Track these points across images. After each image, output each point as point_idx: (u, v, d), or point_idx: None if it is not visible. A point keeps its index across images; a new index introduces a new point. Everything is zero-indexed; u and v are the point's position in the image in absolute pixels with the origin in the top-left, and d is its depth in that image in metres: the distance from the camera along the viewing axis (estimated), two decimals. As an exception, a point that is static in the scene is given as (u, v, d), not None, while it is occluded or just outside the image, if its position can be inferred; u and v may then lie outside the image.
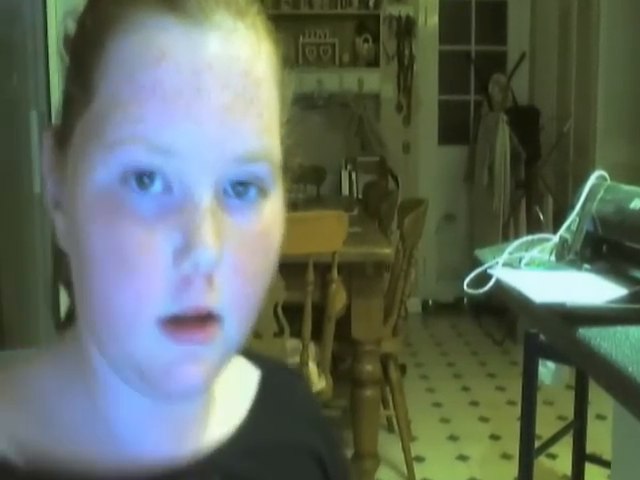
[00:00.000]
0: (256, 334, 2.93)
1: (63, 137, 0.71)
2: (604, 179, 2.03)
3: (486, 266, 2.03)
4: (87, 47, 0.67)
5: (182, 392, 0.67)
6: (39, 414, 0.72)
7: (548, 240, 2.13)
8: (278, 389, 0.91)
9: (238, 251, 0.66)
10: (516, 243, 2.13)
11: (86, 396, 0.73)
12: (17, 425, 0.70)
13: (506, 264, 2.03)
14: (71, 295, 0.76)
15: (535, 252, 2.07)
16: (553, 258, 2.06)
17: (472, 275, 2.02)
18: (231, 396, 0.85)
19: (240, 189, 0.66)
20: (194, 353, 0.65)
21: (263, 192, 0.68)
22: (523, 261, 2.04)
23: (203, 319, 0.64)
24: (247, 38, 0.67)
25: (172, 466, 0.74)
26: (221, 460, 0.78)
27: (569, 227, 2.03)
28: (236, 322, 0.67)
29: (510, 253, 2.07)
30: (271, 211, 0.69)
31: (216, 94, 0.63)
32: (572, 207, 2.03)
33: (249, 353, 0.90)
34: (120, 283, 0.63)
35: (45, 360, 0.76)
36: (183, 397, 0.68)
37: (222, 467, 0.78)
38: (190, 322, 0.64)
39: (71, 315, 0.80)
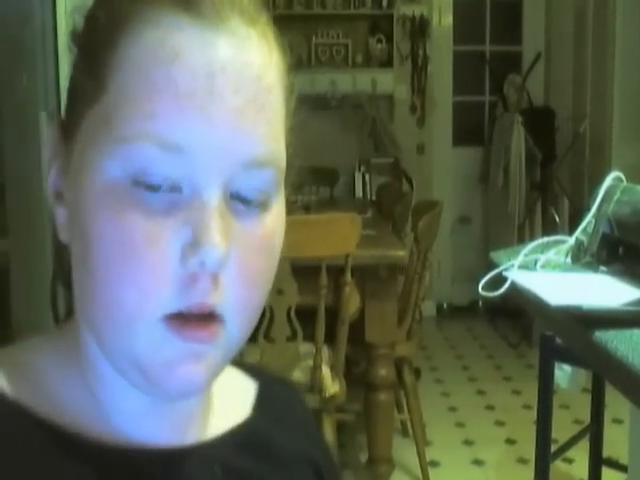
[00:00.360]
0: (269, 338, 2.91)
1: (70, 128, 0.71)
2: (620, 180, 2.00)
3: (501, 268, 2.00)
4: (99, 41, 0.68)
5: (182, 390, 0.67)
6: (38, 390, 0.72)
7: (564, 242, 2.10)
8: (276, 399, 0.91)
9: (243, 253, 0.66)
10: (531, 245, 2.10)
11: (84, 388, 0.73)
12: (19, 393, 0.71)
13: (522, 266, 2.00)
14: (69, 291, 0.76)
15: (551, 254, 2.05)
16: (569, 260, 2.03)
17: (487, 278, 1.99)
18: (230, 402, 0.84)
19: (246, 194, 0.67)
20: (197, 351, 0.66)
21: (268, 197, 0.69)
22: (539, 263, 2.01)
23: (206, 317, 0.65)
24: (259, 45, 0.68)
25: (173, 453, 0.74)
26: (221, 452, 0.79)
27: (585, 229, 2.00)
28: (238, 323, 0.68)
29: (526, 255, 2.04)
30: (274, 215, 0.70)
31: (229, 97, 0.64)
32: (588, 209, 2.01)
33: (246, 365, 0.90)
34: (125, 275, 0.64)
35: (44, 351, 0.76)
36: (183, 395, 0.69)
37: (222, 458, 0.78)
38: (194, 320, 0.65)
39: (71, 312, 0.79)
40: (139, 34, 0.65)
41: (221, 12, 0.66)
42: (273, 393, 0.90)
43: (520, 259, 2.02)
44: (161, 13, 0.65)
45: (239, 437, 0.81)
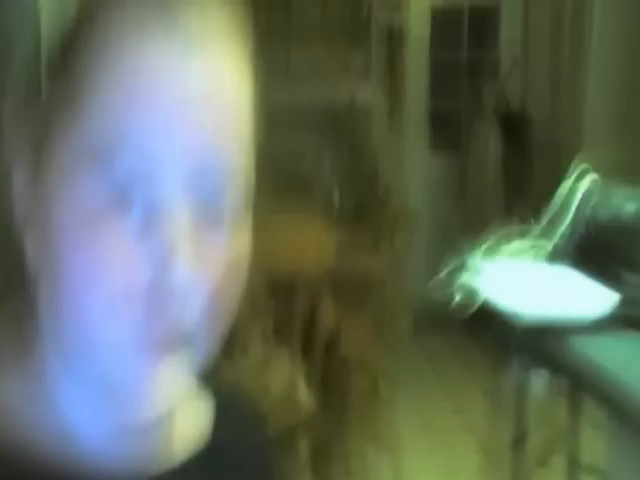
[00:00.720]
0: (244, 354, 2.89)
1: (38, 140, 0.70)
2: (596, 183, 2.00)
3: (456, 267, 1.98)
4: (71, 53, 0.68)
5: (149, 408, 0.68)
6: None
7: (528, 231, 2.08)
8: (233, 420, 0.90)
9: (212, 272, 0.67)
10: (496, 235, 2.08)
11: (45, 415, 0.72)
12: None
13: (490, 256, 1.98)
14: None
15: (517, 243, 2.03)
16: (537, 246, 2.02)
17: (440, 276, 1.97)
18: (188, 427, 0.83)
19: (217, 213, 0.67)
20: (164, 369, 0.66)
21: (237, 216, 0.69)
22: (505, 252, 1.99)
23: (175, 339, 0.66)
24: (234, 68, 0.69)
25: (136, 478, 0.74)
26: (185, 478, 0.78)
27: (560, 231, 2.00)
28: (206, 343, 0.69)
29: (490, 246, 2.02)
30: (241, 235, 0.71)
31: (203, 117, 0.65)
32: (560, 208, 1.99)
33: (204, 382, 0.87)
34: (94, 293, 0.64)
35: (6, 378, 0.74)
36: (150, 413, 0.69)
37: None
38: (163, 341, 0.65)
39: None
40: (116, 49, 0.65)
41: (198, 33, 0.66)
42: (230, 414, 0.90)
43: (486, 249, 1.99)
44: (139, 31, 0.65)
45: (200, 461, 0.81)
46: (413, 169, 6.89)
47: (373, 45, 6.64)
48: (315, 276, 2.97)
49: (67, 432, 0.71)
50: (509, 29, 6.95)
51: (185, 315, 0.65)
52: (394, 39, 6.69)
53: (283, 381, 3.02)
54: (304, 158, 6.24)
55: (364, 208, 5.29)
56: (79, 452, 0.71)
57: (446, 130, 7.02)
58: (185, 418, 0.82)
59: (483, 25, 7.00)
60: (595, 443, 3.59)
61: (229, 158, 0.67)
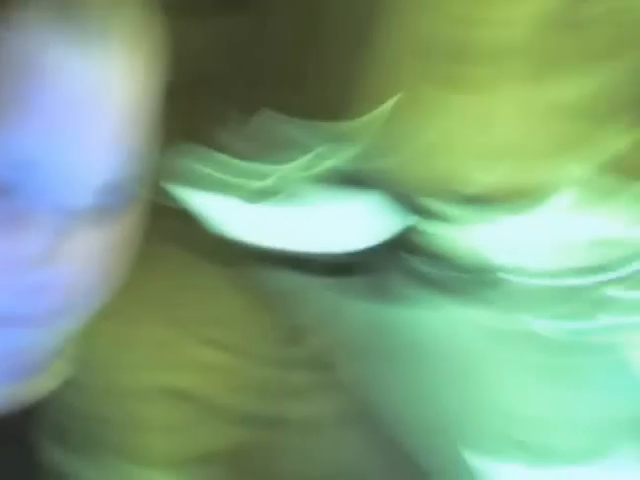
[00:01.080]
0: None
1: None
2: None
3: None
4: None
5: (15, 384, 0.68)
6: None
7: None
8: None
9: (82, 266, 0.64)
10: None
11: None
12: None
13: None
14: None
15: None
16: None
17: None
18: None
19: (95, 211, 0.64)
20: (24, 348, 0.65)
21: (118, 216, 0.66)
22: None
23: (36, 320, 0.64)
24: (134, 66, 0.64)
25: None
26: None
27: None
28: (67, 319, 0.67)
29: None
30: (120, 235, 0.68)
31: (95, 119, 0.61)
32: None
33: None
34: None
35: None
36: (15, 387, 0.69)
37: None
38: (24, 321, 0.64)
39: None
40: (11, 49, 0.60)
41: (100, 32, 0.61)
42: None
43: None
44: (34, 20, 0.60)
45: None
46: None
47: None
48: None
49: None
50: None
51: (48, 303, 0.63)
52: None
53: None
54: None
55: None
56: None
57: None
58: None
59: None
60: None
61: (120, 155, 0.64)
